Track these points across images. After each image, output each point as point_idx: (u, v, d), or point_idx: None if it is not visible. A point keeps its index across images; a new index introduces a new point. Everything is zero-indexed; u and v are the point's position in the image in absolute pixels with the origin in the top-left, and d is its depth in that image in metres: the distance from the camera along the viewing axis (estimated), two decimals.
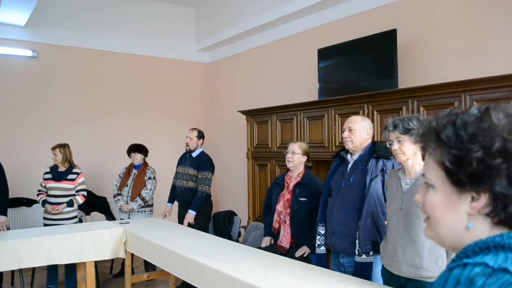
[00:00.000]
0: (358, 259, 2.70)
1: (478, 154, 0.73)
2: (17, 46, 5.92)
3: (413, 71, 4.18)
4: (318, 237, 3.02)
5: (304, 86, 5.38)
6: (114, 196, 5.00)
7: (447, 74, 3.74)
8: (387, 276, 2.40)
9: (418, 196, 0.85)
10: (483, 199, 0.75)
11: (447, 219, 0.79)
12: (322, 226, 3.00)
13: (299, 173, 3.50)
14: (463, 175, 0.75)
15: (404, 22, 4.25)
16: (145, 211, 4.91)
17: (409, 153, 2.29)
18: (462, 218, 0.78)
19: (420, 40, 4.17)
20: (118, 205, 4.92)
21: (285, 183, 3.57)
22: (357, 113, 4.00)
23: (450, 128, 0.77)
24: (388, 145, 2.37)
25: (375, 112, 4.01)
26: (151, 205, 4.98)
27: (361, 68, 4.47)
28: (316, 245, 3.03)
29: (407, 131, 2.26)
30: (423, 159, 2.27)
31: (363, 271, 2.62)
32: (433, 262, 2.17)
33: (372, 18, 4.58)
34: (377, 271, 2.69)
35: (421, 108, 3.61)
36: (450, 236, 0.80)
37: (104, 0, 6.51)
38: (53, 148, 4.54)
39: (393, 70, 4.07)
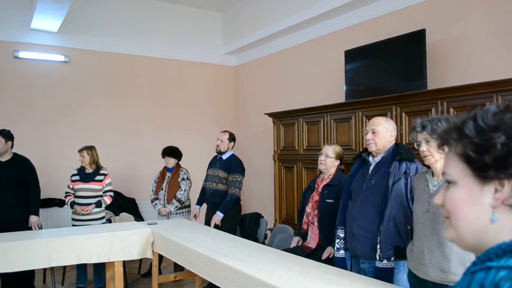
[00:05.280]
0: (379, 264, 2.64)
1: (501, 139, 0.73)
2: (50, 51, 6.11)
3: (442, 72, 4.09)
4: (337, 241, 2.97)
5: (331, 88, 5.34)
6: (152, 201, 5.07)
7: (478, 75, 3.64)
8: (414, 280, 2.34)
9: (437, 197, 0.83)
10: (507, 188, 0.73)
11: (470, 214, 0.77)
12: (342, 229, 2.95)
13: (330, 175, 3.48)
14: (489, 158, 0.74)
15: (432, 22, 4.17)
16: (183, 212, 4.97)
17: (437, 154, 2.23)
18: (486, 211, 0.75)
19: (450, 40, 4.08)
20: (156, 209, 4.99)
21: (316, 185, 3.56)
22: (385, 115, 3.93)
23: (471, 122, 0.77)
24: (416, 146, 2.33)
25: (403, 114, 3.95)
26: (189, 206, 5.04)
27: (389, 70, 4.41)
28: (335, 248, 2.99)
29: (436, 132, 2.21)
30: None
31: (383, 277, 2.55)
32: (461, 266, 2.10)
33: (400, 19, 4.52)
34: (399, 277, 2.63)
35: (451, 110, 3.53)
36: (473, 233, 0.77)
37: (133, 6, 6.64)
38: (80, 150, 4.62)
39: (421, 71, 4.00)
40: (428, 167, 2.41)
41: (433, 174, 2.32)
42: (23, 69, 5.94)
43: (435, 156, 2.24)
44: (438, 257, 2.16)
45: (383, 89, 4.33)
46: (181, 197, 4.92)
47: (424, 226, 2.25)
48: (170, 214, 4.91)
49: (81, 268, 4.52)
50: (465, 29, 3.97)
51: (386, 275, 2.58)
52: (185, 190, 4.95)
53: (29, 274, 4.14)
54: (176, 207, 4.91)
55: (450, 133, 0.80)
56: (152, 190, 5.12)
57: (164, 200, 4.95)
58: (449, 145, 0.81)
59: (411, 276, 2.37)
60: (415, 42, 4.09)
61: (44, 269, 4.70)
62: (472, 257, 2.18)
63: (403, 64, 4.24)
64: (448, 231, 0.82)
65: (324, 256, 3.24)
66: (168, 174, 5.07)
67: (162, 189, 5.01)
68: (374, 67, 4.58)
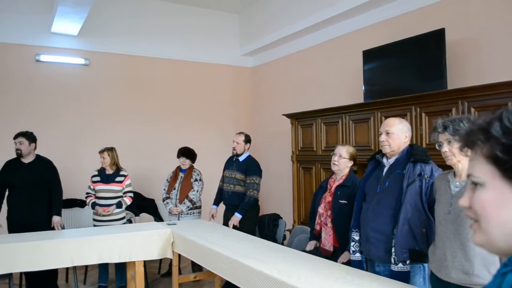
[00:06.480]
0: (394, 267, 2.61)
1: None
2: (70, 54, 6.21)
3: (463, 71, 4.04)
4: (352, 244, 2.95)
5: (349, 89, 5.32)
6: (164, 200, 5.13)
7: (500, 74, 3.59)
8: (436, 282, 2.32)
9: (463, 200, 0.81)
10: None
11: (501, 216, 0.75)
12: (356, 232, 2.93)
13: (343, 176, 3.46)
14: None
15: (452, 21, 4.12)
16: (193, 213, 5.01)
17: (460, 155, 2.21)
18: None
19: (470, 39, 4.03)
20: (168, 208, 5.04)
21: (328, 186, 3.54)
22: (404, 115, 3.91)
23: (497, 123, 0.76)
24: (437, 147, 2.30)
25: (423, 114, 3.91)
26: (199, 207, 5.07)
27: (408, 69, 4.37)
28: (351, 251, 2.97)
29: (458, 133, 2.19)
30: None
31: (399, 281, 2.51)
32: (485, 269, 2.08)
33: (419, 18, 4.48)
34: (414, 281, 2.61)
35: (472, 110, 3.48)
36: (504, 235, 0.75)
37: (151, 9, 6.71)
38: (101, 152, 4.69)
39: (441, 71, 3.95)
40: (444, 168, 2.39)
41: (455, 175, 2.30)
42: (44, 72, 6.05)
43: (458, 156, 2.21)
44: (460, 259, 2.14)
45: (402, 89, 4.29)
46: (193, 198, 4.95)
47: (446, 228, 2.23)
48: (181, 214, 4.94)
49: (103, 267, 4.59)
50: (485, 27, 3.91)
51: (402, 278, 2.55)
52: (197, 191, 4.99)
53: (53, 273, 4.23)
54: (188, 207, 4.94)
55: (476, 134, 0.79)
56: (164, 189, 5.17)
57: (176, 199, 4.99)
58: (475, 147, 0.80)
59: (433, 278, 2.34)
60: (434, 41, 4.05)
61: (67, 268, 4.78)
62: (496, 260, 2.14)
63: (422, 63, 4.20)
64: (477, 235, 0.79)
65: (340, 261, 3.21)
66: (181, 174, 5.11)
67: (174, 189, 5.05)
68: (393, 67, 4.55)
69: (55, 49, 6.11)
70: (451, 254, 2.18)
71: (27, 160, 4.32)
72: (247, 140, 4.77)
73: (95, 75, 6.36)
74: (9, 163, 4.35)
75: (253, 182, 4.57)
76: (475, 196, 0.79)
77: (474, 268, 2.10)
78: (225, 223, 4.65)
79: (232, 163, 4.80)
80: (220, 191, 4.88)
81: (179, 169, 5.18)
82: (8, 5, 5.77)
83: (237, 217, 4.49)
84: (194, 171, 5.10)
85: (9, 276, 3.64)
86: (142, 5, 6.65)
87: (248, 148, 4.79)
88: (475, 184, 0.79)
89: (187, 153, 5.13)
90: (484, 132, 0.77)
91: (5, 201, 4.32)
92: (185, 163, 5.10)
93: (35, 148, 4.40)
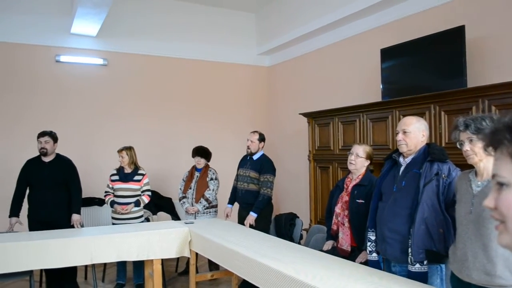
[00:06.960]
0: (411, 268, 2.58)
1: None
2: (89, 55, 6.29)
3: (483, 69, 3.97)
4: (368, 243, 2.93)
5: (367, 87, 5.27)
6: (180, 199, 5.15)
7: None
8: (457, 283, 2.28)
9: (489, 201, 0.78)
10: None
11: None
12: (372, 231, 2.90)
13: (359, 175, 3.44)
14: None
15: (472, 18, 4.05)
16: (210, 212, 5.02)
17: (483, 154, 2.17)
18: None
19: (490, 37, 3.96)
20: (184, 208, 5.06)
21: (345, 185, 3.52)
22: (423, 114, 3.87)
23: None
24: (458, 146, 2.27)
25: (442, 113, 3.86)
26: (216, 206, 5.09)
27: (426, 68, 4.31)
28: (368, 251, 2.94)
29: (480, 131, 2.15)
30: None
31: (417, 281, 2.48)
32: (507, 270, 2.04)
33: (438, 15, 4.42)
34: (431, 281, 2.57)
35: (493, 108, 3.42)
36: None
37: (169, 10, 6.75)
38: (120, 151, 4.74)
39: (461, 69, 3.89)
40: (462, 167, 2.35)
41: (476, 174, 2.26)
42: (64, 72, 6.14)
43: (480, 155, 2.17)
44: (482, 260, 2.10)
45: (420, 88, 4.24)
46: (209, 197, 4.97)
47: (467, 228, 2.19)
48: (198, 213, 4.96)
49: (121, 265, 4.64)
50: (506, 24, 3.84)
51: (420, 279, 2.52)
52: (213, 190, 5.01)
53: (72, 271, 4.29)
54: (204, 206, 4.96)
55: (502, 133, 0.77)
56: (180, 189, 5.19)
57: (192, 199, 5.01)
58: (500, 146, 0.77)
59: (454, 279, 2.31)
60: (454, 39, 3.98)
61: (86, 266, 4.84)
62: None
63: (441, 61, 4.14)
64: (503, 237, 0.77)
65: (358, 261, 3.19)
66: (197, 173, 5.13)
67: (190, 188, 5.07)
68: (412, 65, 4.50)
69: (75, 50, 6.20)
70: (472, 255, 2.14)
71: (47, 159, 4.39)
72: (262, 138, 4.77)
73: (114, 75, 6.44)
74: (30, 162, 4.42)
75: (267, 181, 4.57)
76: (500, 196, 0.77)
77: (497, 269, 2.06)
78: (240, 222, 4.66)
79: (246, 161, 4.81)
80: (235, 190, 4.89)
81: (194, 168, 5.20)
82: (28, 8, 5.87)
83: (252, 216, 4.49)
84: (210, 170, 5.11)
85: (29, 273, 3.71)
86: (160, 6, 6.70)
87: (263, 147, 4.79)
88: (501, 185, 0.77)
89: (201, 152, 5.15)
90: (510, 130, 0.75)
91: (25, 199, 4.40)
92: (200, 162, 5.12)
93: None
